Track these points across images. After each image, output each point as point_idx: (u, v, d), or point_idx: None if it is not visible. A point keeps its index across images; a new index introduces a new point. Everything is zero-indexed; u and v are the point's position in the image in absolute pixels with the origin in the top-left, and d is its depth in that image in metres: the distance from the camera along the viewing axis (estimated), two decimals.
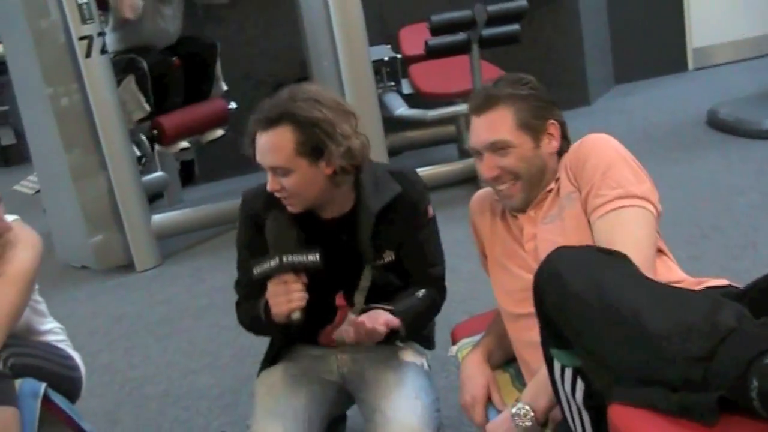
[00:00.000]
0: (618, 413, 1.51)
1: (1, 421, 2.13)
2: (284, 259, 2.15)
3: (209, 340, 4.06)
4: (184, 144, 5.91)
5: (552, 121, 2.16)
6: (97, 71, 4.96)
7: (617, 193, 1.96)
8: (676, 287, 1.69)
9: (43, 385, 2.32)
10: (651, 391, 1.48)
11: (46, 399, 2.33)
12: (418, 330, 2.43)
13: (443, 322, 2.61)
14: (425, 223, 2.38)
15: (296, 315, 2.17)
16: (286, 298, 2.16)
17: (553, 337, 1.70)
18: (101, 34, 4.94)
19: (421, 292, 2.36)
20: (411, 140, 5.88)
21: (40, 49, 4.99)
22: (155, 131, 5.59)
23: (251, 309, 2.34)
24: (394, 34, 6.52)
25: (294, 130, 2.15)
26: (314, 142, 2.16)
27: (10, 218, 2.41)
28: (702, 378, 1.42)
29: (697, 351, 1.43)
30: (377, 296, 2.35)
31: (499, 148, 2.11)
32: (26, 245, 2.38)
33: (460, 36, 5.16)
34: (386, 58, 6.22)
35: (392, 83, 6.24)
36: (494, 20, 5.09)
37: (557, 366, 1.73)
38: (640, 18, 7.68)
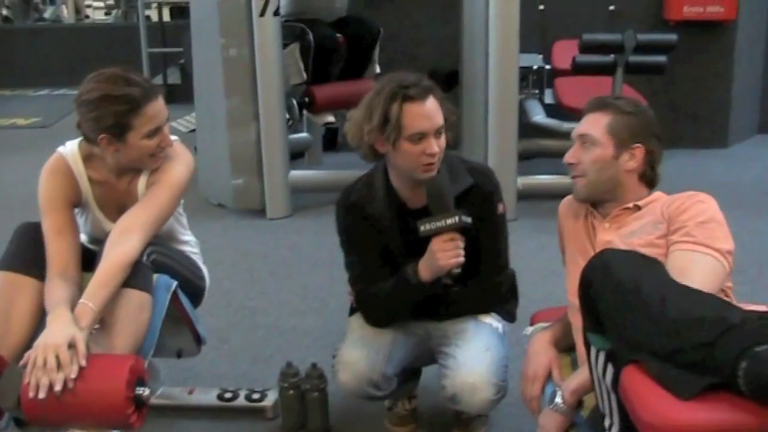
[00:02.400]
0: (629, 375, 1.80)
1: (138, 303, 2.52)
2: (462, 218, 2.48)
3: (321, 288, 4.43)
4: (330, 118, 6.25)
5: (639, 144, 2.45)
6: (267, 30, 5.35)
7: (705, 241, 2.23)
8: (701, 291, 1.96)
9: (175, 283, 2.70)
10: (658, 363, 1.77)
11: (174, 295, 2.71)
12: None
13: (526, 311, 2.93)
14: (495, 215, 2.69)
15: (457, 270, 2.52)
16: (456, 252, 2.50)
17: (592, 321, 1.99)
18: None
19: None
20: (543, 148, 6.06)
21: (221, 2, 5.42)
22: (307, 99, 5.93)
23: (386, 285, 2.67)
24: (549, 45, 6.77)
25: (439, 100, 2.56)
26: (450, 111, 2.60)
27: (171, 138, 2.80)
28: (702, 360, 1.71)
29: (703, 338, 1.72)
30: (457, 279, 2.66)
31: (585, 141, 2.45)
32: (182, 161, 2.75)
33: (608, 58, 5.39)
34: (535, 67, 6.48)
35: (536, 91, 6.49)
36: (642, 48, 5.28)
37: (593, 350, 2.02)
38: None
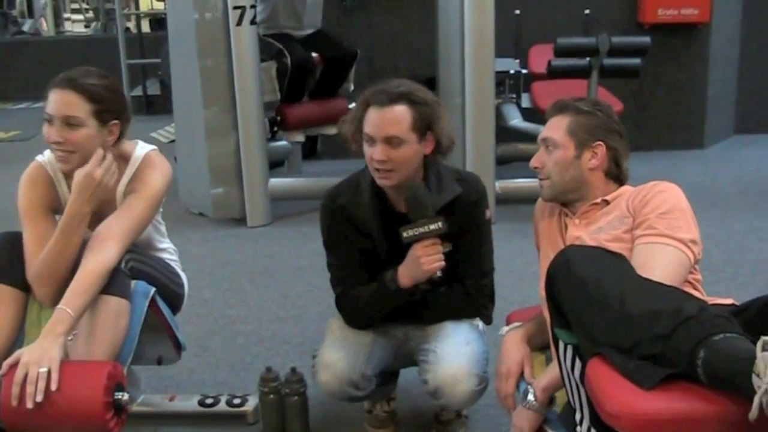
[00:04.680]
0: (593, 367, 1.84)
1: (116, 309, 2.53)
2: (444, 223, 2.51)
3: (301, 295, 4.46)
4: (300, 138, 6.28)
5: (600, 142, 2.49)
6: (244, 39, 5.39)
7: (666, 232, 2.27)
8: (660, 283, 2.00)
9: (153, 290, 2.70)
10: (620, 356, 1.81)
11: (153, 302, 2.71)
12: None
13: (504, 314, 2.96)
14: (482, 222, 2.73)
15: (439, 273, 2.57)
16: (438, 257, 2.55)
17: (558, 317, 2.04)
18: (253, 6, 5.37)
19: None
20: (521, 152, 6.07)
21: (198, 13, 5.45)
22: (278, 117, 6.00)
23: (366, 290, 2.71)
24: (525, 49, 6.83)
25: (411, 109, 2.56)
26: (426, 120, 2.58)
27: (148, 148, 2.81)
28: (661, 351, 1.75)
29: (660, 330, 1.76)
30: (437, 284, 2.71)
31: (548, 145, 2.51)
32: (159, 170, 2.76)
33: (583, 61, 5.45)
34: (512, 71, 6.53)
35: (513, 95, 6.54)
36: (616, 51, 5.35)
37: (561, 345, 2.07)
38: None
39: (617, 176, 2.54)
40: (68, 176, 2.73)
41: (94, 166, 2.56)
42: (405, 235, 2.51)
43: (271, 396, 3.04)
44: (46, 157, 2.74)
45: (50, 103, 2.59)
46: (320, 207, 2.80)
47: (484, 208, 2.73)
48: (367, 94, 2.61)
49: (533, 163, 2.56)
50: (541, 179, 2.56)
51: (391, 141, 2.55)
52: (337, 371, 2.70)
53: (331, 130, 6.34)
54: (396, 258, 2.63)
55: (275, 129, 6.10)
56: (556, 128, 2.51)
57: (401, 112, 2.55)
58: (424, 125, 2.58)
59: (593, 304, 1.90)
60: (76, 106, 2.59)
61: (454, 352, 2.65)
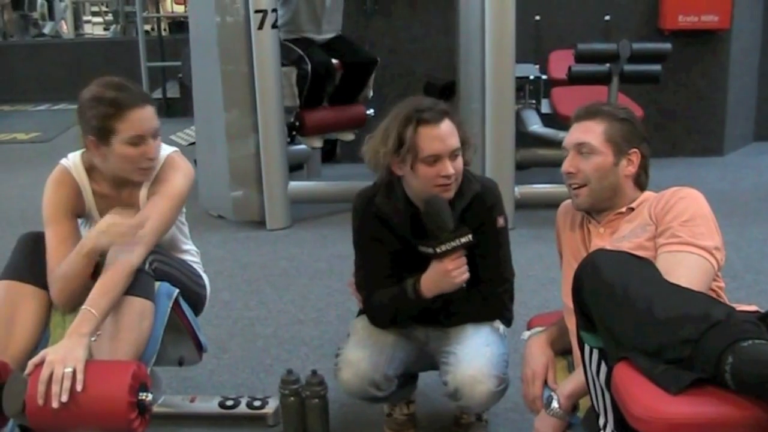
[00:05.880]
0: (620, 371, 1.84)
1: (140, 310, 2.55)
2: (473, 235, 2.55)
3: (320, 298, 4.47)
4: (318, 144, 6.29)
5: (635, 150, 2.49)
6: (265, 43, 5.40)
7: (690, 240, 2.26)
8: (688, 288, 2.00)
9: (177, 291, 2.73)
10: (647, 360, 1.82)
11: (176, 303, 2.74)
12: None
13: (524, 319, 2.98)
14: (497, 227, 2.74)
15: (464, 285, 2.61)
16: (465, 268, 2.59)
17: (584, 321, 2.04)
18: (274, 10, 5.38)
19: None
20: (540, 157, 6.10)
21: (220, 16, 5.47)
22: (297, 122, 6.00)
23: (388, 293, 2.73)
24: (545, 55, 6.82)
25: (453, 123, 2.62)
26: (465, 133, 2.66)
27: (170, 149, 2.83)
28: (689, 356, 1.75)
29: (688, 335, 1.76)
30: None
31: (584, 150, 2.47)
32: (182, 172, 2.79)
33: (603, 67, 5.43)
34: (531, 77, 6.52)
35: (533, 101, 6.53)
36: (637, 57, 5.33)
37: (587, 349, 2.07)
38: None
39: (643, 183, 2.54)
40: (93, 182, 2.75)
41: (123, 224, 2.54)
42: (438, 250, 2.53)
43: (292, 398, 3.05)
44: (71, 161, 2.76)
45: (139, 122, 2.60)
46: (352, 208, 2.81)
47: (497, 215, 2.74)
48: (407, 115, 2.59)
49: (568, 168, 2.51)
50: (575, 188, 2.52)
51: (456, 153, 2.61)
52: (360, 370, 2.72)
53: (349, 136, 6.37)
54: (420, 262, 2.64)
55: (293, 134, 6.11)
56: (592, 133, 2.47)
57: (451, 126, 2.61)
58: (466, 138, 2.66)
59: (620, 308, 1.90)
60: (156, 117, 2.68)
61: (473, 353, 2.66)
